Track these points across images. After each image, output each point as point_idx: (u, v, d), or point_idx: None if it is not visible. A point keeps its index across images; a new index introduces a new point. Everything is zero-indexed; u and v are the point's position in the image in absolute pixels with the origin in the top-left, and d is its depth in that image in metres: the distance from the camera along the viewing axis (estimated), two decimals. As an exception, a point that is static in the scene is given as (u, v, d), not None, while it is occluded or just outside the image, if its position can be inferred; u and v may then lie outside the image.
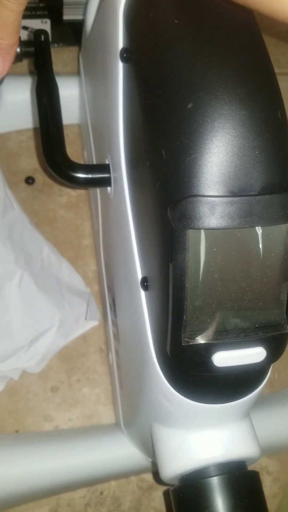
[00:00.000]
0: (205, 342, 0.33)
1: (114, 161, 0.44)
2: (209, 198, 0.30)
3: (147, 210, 0.36)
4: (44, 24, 0.80)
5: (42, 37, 0.57)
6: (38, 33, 0.57)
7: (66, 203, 0.78)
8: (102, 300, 0.70)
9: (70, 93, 0.75)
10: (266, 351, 0.34)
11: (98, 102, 0.54)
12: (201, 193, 0.30)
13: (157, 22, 0.34)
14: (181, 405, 0.39)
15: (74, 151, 0.80)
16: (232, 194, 0.30)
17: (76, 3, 0.76)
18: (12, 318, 0.66)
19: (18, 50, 0.54)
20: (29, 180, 0.77)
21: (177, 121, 0.31)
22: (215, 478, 0.41)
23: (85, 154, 0.74)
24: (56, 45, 0.85)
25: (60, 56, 0.86)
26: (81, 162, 0.53)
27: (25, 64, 0.80)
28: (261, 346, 0.34)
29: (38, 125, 0.50)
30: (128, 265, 0.42)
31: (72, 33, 0.83)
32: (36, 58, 0.56)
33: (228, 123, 0.30)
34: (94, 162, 0.60)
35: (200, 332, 0.33)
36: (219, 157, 0.30)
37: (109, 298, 0.60)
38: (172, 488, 0.44)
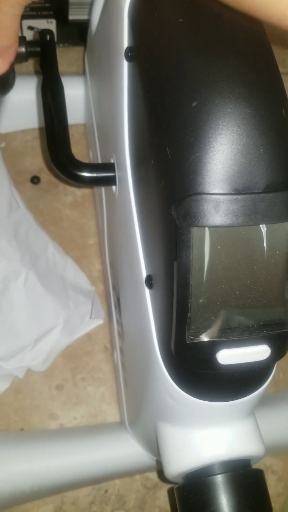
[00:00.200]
0: (209, 340, 0.33)
1: (119, 160, 0.45)
2: (213, 196, 0.30)
3: (151, 209, 0.36)
4: (50, 24, 0.80)
5: (48, 37, 0.57)
6: (43, 33, 0.57)
7: (71, 202, 0.78)
8: (107, 299, 0.70)
9: (75, 93, 0.75)
10: (271, 349, 0.34)
11: (103, 101, 0.54)
12: (205, 191, 0.30)
13: (161, 21, 0.34)
14: (185, 403, 0.39)
15: (79, 151, 0.80)
16: (237, 192, 0.30)
17: (82, 3, 0.76)
18: (17, 317, 0.66)
19: (24, 49, 0.55)
20: (35, 180, 0.78)
21: (181, 119, 0.31)
22: (220, 476, 0.41)
23: (90, 153, 0.74)
24: (61, 45, 0.85)
25: (66, 56, 0.86)
26: (87, 161, 0.53)
27: (30, 64, 0.80)
28: (265, 344, 0.34)
29: (43, 124, 0.50)
30: (133, 264, 0.43)
31: (77, 33, 0.83)
32: (42, 58, 0.56)
33: (233, 121, 0.30)
34: (100, 161, 0.60)
35: (204, 329, 0.33)
36: (224, 155, 0.30)
37: (114, 297, 0.60)
38: (176, 486, 0.44)
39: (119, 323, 0.57)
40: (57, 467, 0.59)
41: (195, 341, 0.33)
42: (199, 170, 0.30)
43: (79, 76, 0.77)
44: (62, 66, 0.83)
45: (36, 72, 0.78)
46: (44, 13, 0.78)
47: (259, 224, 0.31)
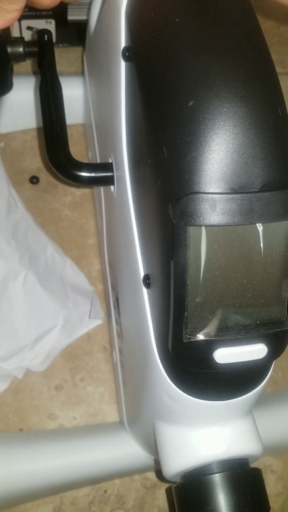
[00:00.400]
0: (206, 339, 0.33)
1: (117, 160, 0.45)
2: (210, 195, 0.30)
3: (149, 208, 0.36)
4: (49, 25, 0.80)
5: (46, 37, 0.57)
6: (41, 33, 0.57)
7: (70, 203, 0.78)
8: (106, 299, 0.70)
9: (74, 93, 0.75)
10: (268, 347, 0.34)
11: (102, 101, 0.54)
12: (202, 190, 0.30)
13: (158, 20, 0.34)
14: (183, 402, 0.39)
15: (78, 151, 0.80)
16: (233, 191, 0.30)
17: (80, 3, 0.76)
18: (16, 317, 0.66)
19: (21, 49, 0.55)
20: (34, 180, 0.78)
21: (178, 119, 0.31)
22: (217, 475, 0.41)
23: (90, 153, 0.74)
24: (61, 45, 0.85)
25: (65, 56, 0.86)
26: (86, 161, 0.53)
27: (29, 64, 0.80)
28: (262, 342, 0.34)
29: (42, 125, 0.50)
30: (131, 263, 0.43)
31: (76, 33, 0.83)
32: (40, 58, 0.56)
33: (229, 120, 0.30)
34: (98, 161, 0.60)
35: (201, 328, 0.33)
36: (220, 155, 0.30)
37: (113, 297, 0.60)
38: (174, 485, 0.44)
39: (118, 323, 0.57)
40: (57, 467, 0.59)
41: (192, 340, 0.33)
42: (196, 169, 0.30)
43: (78, 76, 0.77)
44: (61, 66, 0.83)
45: (35, 72, 0.79)
46: (43, 13, 0.78)
47: (255, 223, 0.31)
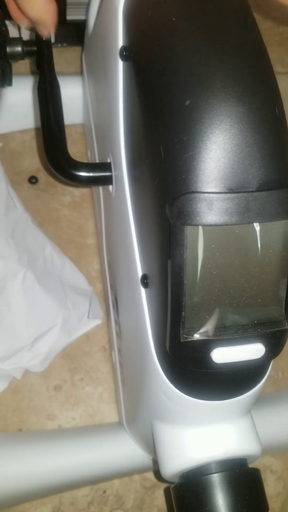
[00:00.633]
0: (204, 338, 0.33)
1: (115, 159, 0.45)
2: (206, 195, 0.30)
3: (146, 208, 0.36)
4: (48, 25, 0.80)
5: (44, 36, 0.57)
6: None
7: (69, 203, 0.78)
8: (105, 299, 0.70)
9: (73, 93, 0.75)
10: (265, 347, 0.34)
11: (100, 101, 0.54)
12: (199, 190, 0.30)
13: (155, 20, 0.34)
14: (181, 402, 0.39)
15: (78, 151, 0.80)
16: (230, 190, 0.30)
17: (79, 3, 0.76)
18: (15, 317, 0.66)
19: (20, 49, 0.55)
20: (33, 180, 0.78)
21: (174, 118, 0.31)
22: (216, 475, 0.41)
23: (89, 153, 0.74)
24: (59, 45, 0.85)
25: (64, 56, 0.86)
26: (85, 161, 0.53)
27: (27, 64, 0.80)
28: (260, 342, 0.34)
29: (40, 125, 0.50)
30: (129, 263, 0.43)
31: (75, 33, 0.83)
32: (38, 58, 0.56)
33: (226, 120, 0.30)
34: (97, 161, 0.60)
35: (198, 328, 0.33)
36: (217, 154, 0.30)
37: (111, 297, 0.60)
38: (172, 485, 0.44)
39: (117, 323, 0.57)
40: (56, 467, 0.59)
41: (190, 339, 0.33)
42: (193, 169, 0.30)
43: (76, 75, 0.77)
44: (60, 66, 0.83)
45: (33, 72, 0.79)
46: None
47: (252, 223, 0.31)
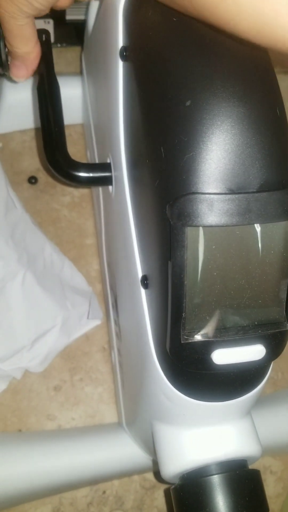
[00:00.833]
0: (204, 340, 0.33)
1: (115, 160, 0.44)
2: (207, 196, 0.30)
3: (147, 208, 0.36)
4: (47, 24, 0.80)
5: (43, 36, 0.56)
6: (39, 32, 0.57)
7: (69, 203, 0.78)
8: (105, 299, 0.70)
9: (73, 93, 0.75)
10: (266, 348, 0.34)
11: (100, 101, 0.54)
12: (199, 191, 0.30)
13: (155, 20, 0.34)
14: (181, 403, 0.39)
15: (77, 151, 0.80)
16: (231, 191, 0.30)
17: (79, 3, 0.76)
18: (14, 317, 0.66)
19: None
20: (32, 180, 0.78)
21: (175, 119, 0.31)
22: (216, 476, 0.41)
23: (88, 153, 0.74)
24: (59, 45, 0.85)
25: (63, 56, 0.86)
26: (84, 161, 0.53)
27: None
28: (260, 343, 0.34)
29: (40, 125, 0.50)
30: (129, 264, 0.42)
31: (75, 33, 0.83)
32: (38, 58, 0.56)
33: (226, 120, 0.30)
34: (97, 161, 0.60)
35: (199, 329, 0.33)
36: (217, 155, 0.30)
37: (111, 297, 0.60)
38: (172, 486, 0.44)
39: (117, 323, 0.57)
40: (55, 467, 0.59)
41: (190, 341, 0.33)
42: (193, 169, 0.30)
43: (76, 76, 0.77)
44: (60, 66, 0.82)
45: (33, 72, 0.78)
46: (42, 13, 0.77)
47: (253, 224, 0.31)
